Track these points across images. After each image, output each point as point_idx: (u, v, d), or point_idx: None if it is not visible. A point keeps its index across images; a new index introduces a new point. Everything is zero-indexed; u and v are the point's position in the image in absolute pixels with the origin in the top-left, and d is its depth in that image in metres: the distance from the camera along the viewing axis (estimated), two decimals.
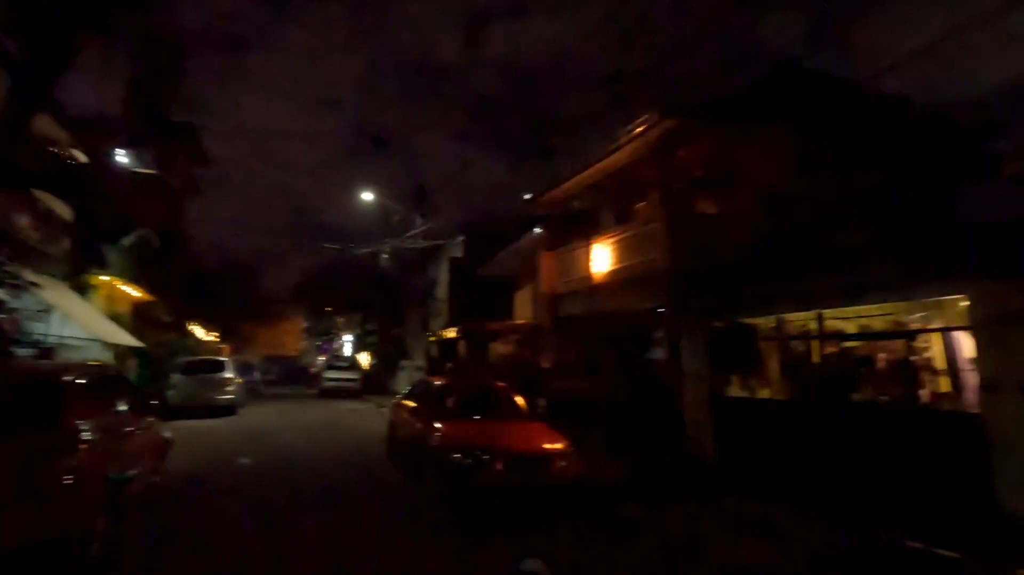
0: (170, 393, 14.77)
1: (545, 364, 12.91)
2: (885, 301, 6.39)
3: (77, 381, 4.55)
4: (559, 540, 5.26)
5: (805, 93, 9.18)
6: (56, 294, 11.88)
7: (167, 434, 7.06)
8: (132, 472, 4.94)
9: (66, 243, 13.76)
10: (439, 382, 9.13)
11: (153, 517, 5.39)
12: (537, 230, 14.75)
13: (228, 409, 15.45)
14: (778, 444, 7.08)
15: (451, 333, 19.15)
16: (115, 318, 15.03)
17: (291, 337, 52.46)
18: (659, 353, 9.84)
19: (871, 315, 7.36)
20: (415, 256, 25.04)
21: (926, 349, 7.37)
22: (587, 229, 12.32)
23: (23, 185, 10.45)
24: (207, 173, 24.39)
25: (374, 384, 26.58)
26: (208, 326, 29.62)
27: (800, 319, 7.49)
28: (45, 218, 12.71)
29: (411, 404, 8.95)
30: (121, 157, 16.48)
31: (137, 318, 17.55)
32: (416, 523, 5.79)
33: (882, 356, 7.34)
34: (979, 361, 4.98)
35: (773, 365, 8.08)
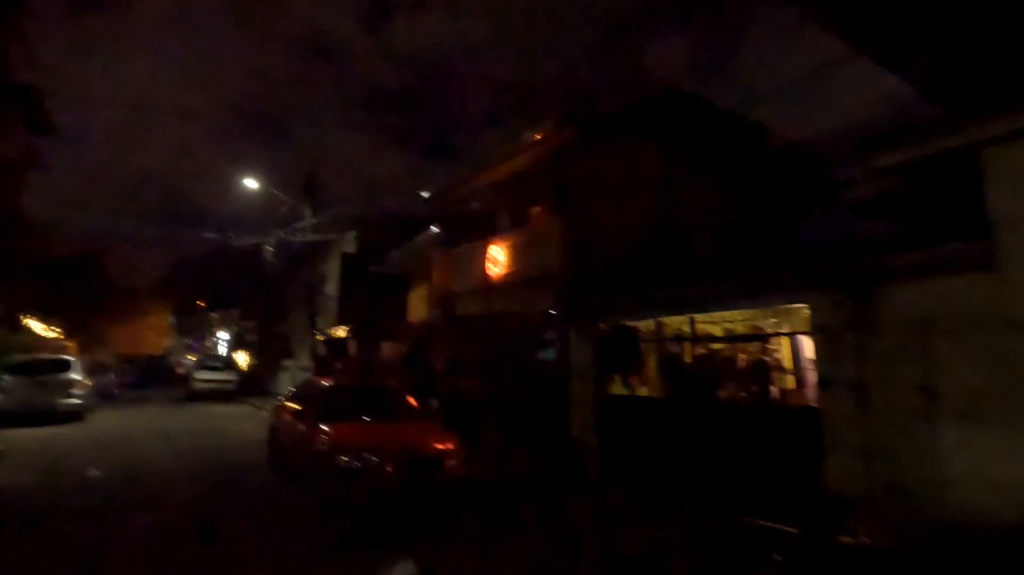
0: None
1: (438, 364, 12.85)
2: (746, 308, 7.16)
3: None
4: (446, 540, 5.28)
5: (686, 116, 10.02)
6: None
7: None
8: None
9: None
10: (327, 382, 8.75)
11: None
12: (433, 229, 14.65)
13: (74, 415, 13.59)
14: (655, 439, 7.65)
15: (341, 331, 18.38)
16: None
17: (155, 334, 47.28)
18: (550, 354, 10.21)
19: (735, 320, 8.23)
20: (303, 250, 23.71)
21: (777, 351, 8.39)
22: (484, 230, 12.45)
23: None
24: (57, 147, 21.25)
25: (253, 385, 24.75)
26: (50, 321, 25.80)
27: (676, 322, 8.17)
28: None
29: (295, 406, 8.49)
30: None
31: None
32: (299, 531, 5.50)
33: (742, 357, 8.22)
34: (817, 361, 5.77)
35: (652, 365, 8.74)
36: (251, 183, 20.13)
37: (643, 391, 8.66)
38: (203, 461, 9.31)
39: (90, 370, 16.42)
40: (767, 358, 8.09)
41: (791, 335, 7.36)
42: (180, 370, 32.59)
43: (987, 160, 4.61)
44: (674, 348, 8.32)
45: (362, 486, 5.97)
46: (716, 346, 8.44)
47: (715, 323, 8.40)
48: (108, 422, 14.10)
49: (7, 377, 13.33)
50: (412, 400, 8.46)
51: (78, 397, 13.87)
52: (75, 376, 14.09)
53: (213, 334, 39.56)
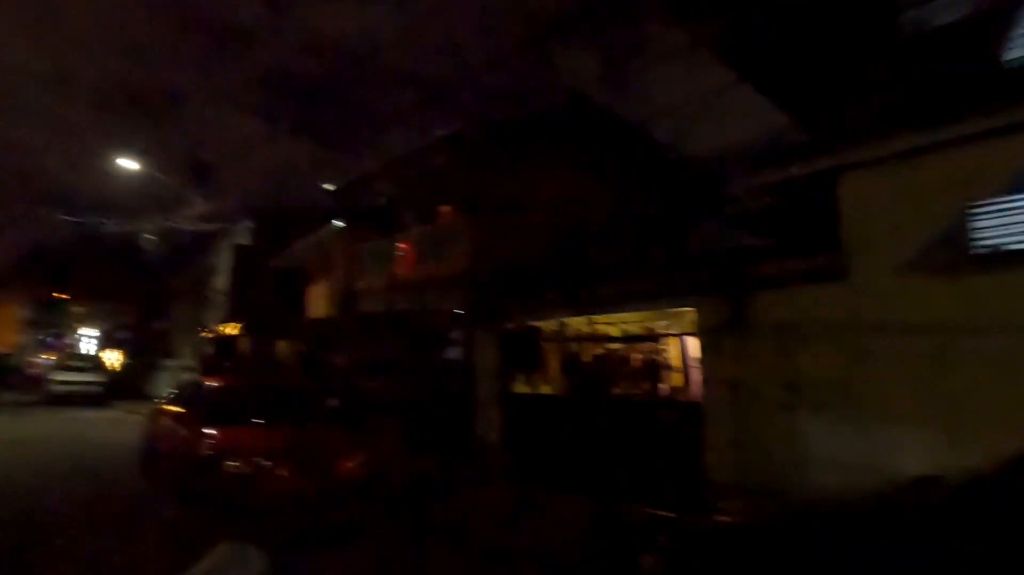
0: None
1: (340, 363, 12.41)
2: (640, 310, 7.63)
3: None
4: (342, 544, 5.14)
5: (593, 125, 10.47)
6: None
7: None
8: None
9: None
10: (214, 383, 8.14)
11: None
12: (337, 223, 14.12)
13: None
14: (557, 435, 7.92)
15: (233, 329, 17.14)
16: None
17: (3, 329, 41.19)
18: (456, 353, 10.23)
19: (630, 321, 8.73)
20: (189, 240, 21.80)
21: (668, 351, 9.00)
22: (391, 226, 12.21)
23: None
24: None
25: (126, 387, 22.37)
26: None
27: (577, 323, 8.52)
28: None
29: (177, 409, 7.80)
30: None
31: None
32: (169, 544, 5.08)
33: (636, 356, 8.75)
34: (701, 360, 6.29)
35: (554, 364, 9.05)
36: (129, 164, 18.18)
37: (546, 389, 8.94)
38: (64, 473, 8.29)
39: None
40: (658, 357, 8.67)
41: (680, 336, 7.94)
42: (33, 370, 28.63)
43: (841, 184, 5.30)
44: (575, 347, 8.67)
45: (254, 492, 5.64)
46: (613, 346, 8.90)
47: (613, 324, 8.86)
48: None
49: None
50: (311, 400, 8.11)
51: None
52: None
53: (76, 330, 35.19)
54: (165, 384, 19.71)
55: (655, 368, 8.45)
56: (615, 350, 8.88)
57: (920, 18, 5.94)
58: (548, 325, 8.76)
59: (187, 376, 16.62)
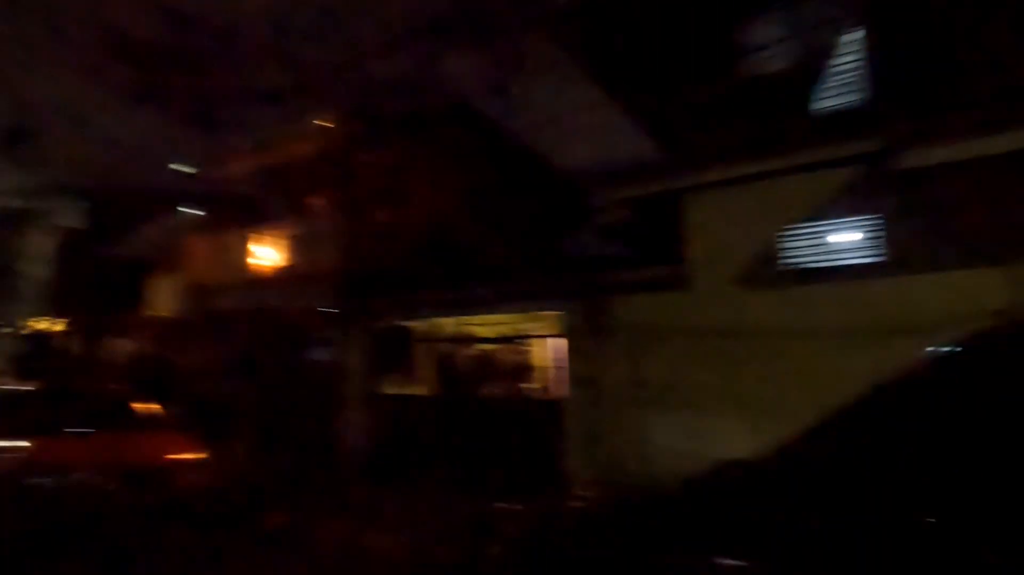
0: None
1: (187, 364, 11.24)
2: (510, 312, 7.89)
3: None
4: (174, 561, 4.67)
5: (475, 129, 10.59)
6: None
7: None
8: None
9: None
10: (22, 388, 6.97)
11: None
12: (192, 209, 12.80)
13: None
14: (427, 435, 7.90)
15: (55, 325, 14.77)
16: None
17: None
18: (323, 353, 9.77)
19: (502, 323, 8.97)
20: None
21: (536, 352, 9.38)
22: (255, 217, 11.33)
23: None
24: None
25: None
26: None
27: (449, 323, 8.58)
28: None
29: None
30: None
31: None
32: None
33: (506, 357, 9.02)
34: (563, 361, 6.67)
35: (425, 364, 9.01)
36: None
37: (416, 390, 8.87)
38: None
39: None
40: (527, 358, 9.01)
41: (548, 337, 8.32)
42: None
43: (685, 202, 5.93)
44: (447, 348, 8.72)
45: (71, 510, 4.92)
46: (485, 347, 9.09)
47: (486, 325, 9.04)
48: None
49: None
50: (147, 406, 7.26)
51: None
52: None
53: None
54: None
55: (524, 368, 8.77)
56: (487, 351, 9.07)
57: (756, 64, 6.84)
58: (420, 325, 8.71)
59: None
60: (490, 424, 7.41)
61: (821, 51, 6.18)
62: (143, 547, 4.99)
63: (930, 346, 4.34)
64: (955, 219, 4.56)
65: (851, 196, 5.08)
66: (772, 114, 5.84)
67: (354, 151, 9.91)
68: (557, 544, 2.42)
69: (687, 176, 5.83)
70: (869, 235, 5.10)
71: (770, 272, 5.58)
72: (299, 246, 10.17)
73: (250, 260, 10.60)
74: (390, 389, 8.72)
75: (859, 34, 5.91)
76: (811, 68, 6.25)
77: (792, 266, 5.55)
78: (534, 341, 9.07)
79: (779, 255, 5.57)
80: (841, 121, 5.53)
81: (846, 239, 5.29)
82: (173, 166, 11.68)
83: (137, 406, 7.11)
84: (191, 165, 12.06)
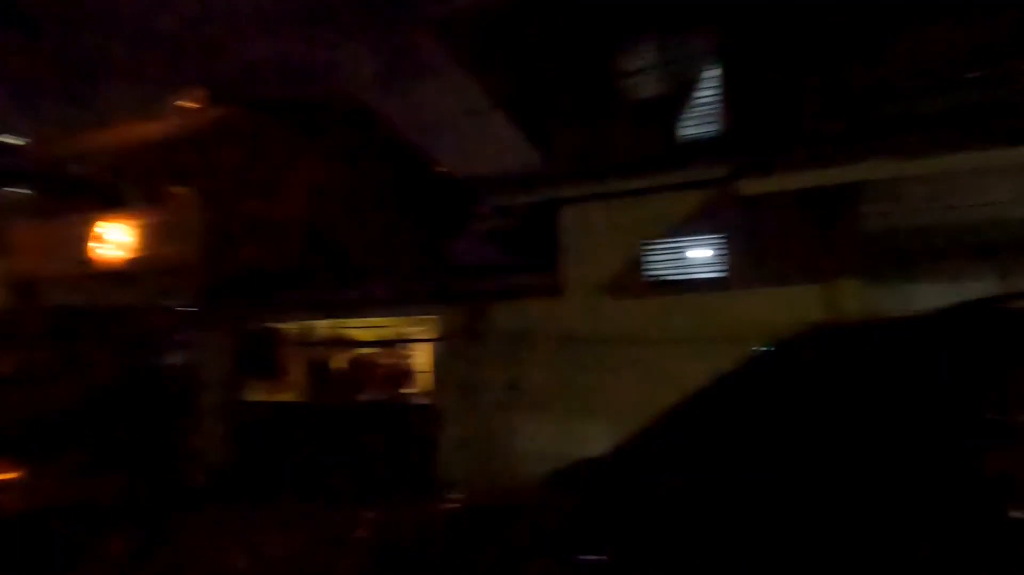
0: None
1: (4, 369, 9.62)
2: (388, 316, 7.70)
3: None
4: None
5: (358, 126, 10.21)
6: None
7: None
8: None
9: None
10: None
11: None
12: (18, 189, 11.03)
13: None
14: (298, 444, 7.42)
15: None
16: None
17: None
18: (179, 357, 8.86)
19: (382, 326, 8.73)
20: None
21: (416, 356, 9.25)
22: (101, 202, 10.02)
23: None
24: None
25: None
26: None
27: (324, 326, 8.17)
28: None
29: None
30: None
31: None
32: None
33: (385, 361, 8.79)
34: (439, 365, 6.62)
35: (297, 369, 8.49)
36: None
37: (286, 396, 8.33)
38: None
39: None
40: (407, 362, 8.86)
41: (428, 341, 8.22)
42: None
43: (561, 213, 6.17)
44: (321, 352, 8.30)
45: None
46: (364, 350, 8.78)
47: (364, 328, 8.74)
48: None
49: None
50: None
51: None
52: None
53: None
54: None
55: (403, 373, 8.61)
56: (365, 355, 8.77)
57: (629, 88, 7.29)
58: (292, 327, 8.21)
59: None
60: (364, 430, 7.15)
61: (685, 83, 6.75)
62: None
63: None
64: (782, 242, 5.20)
65: (703, 216, 5.60)
66: (641, 136, 6.27)
67: (225, 137, 9.12)
68: (413, 550, 2.37)
69: (563, 188, 6.07)
70: (716, 252, 5.65)
71: (635, 283, 5.96)
72: (154, 237, 9.15)
73: (93, 250, 9.35)
74: (256, 396, 8.10)
75: (717, 71, 6.54)
76: (676, 97, 6.79)
77: (654, 278, 5.98)
78: (415, 345, 8.94)
79: (643, 267, 5.97)
80: (699, 148, 6.07)
81: (699, 255, 5.81)
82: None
83: None
84: (22, 136, 10.42)
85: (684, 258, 5.87)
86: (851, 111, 5.30)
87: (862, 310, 4.97)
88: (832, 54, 5.64)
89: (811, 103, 5.57)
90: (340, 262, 7.54)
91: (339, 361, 8.36)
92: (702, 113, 6.59)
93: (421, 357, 8.64)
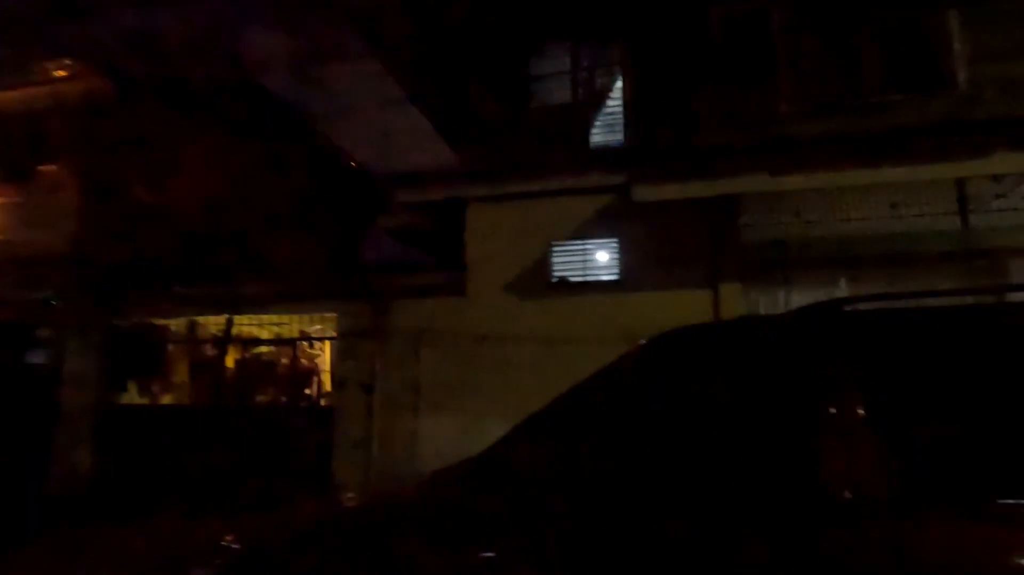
0: None
1: None
2: (284, 312, 7.31)
3: None
4: None
5: (262, 110, 9.60)
6: None
7: None
8: None
9: None
10: None
11: None
12: None
13: None
14: (181, 450, 6.84)
15: None
16: None
17: None
18: (40, 355, 7.91)
19: (283, 324, 8.27)
20: None
21: (319, 355, 8.86)
22: None
23: None
24: None
25: None
26: None
27: (216, 323, 7.62)
28: None
29: None
30: None
31: None
32: None
33: (284, 361, 8.34)
34: (338, 364, 6.37)
35: (182, 369, 7.86)
36: None
37: (168, 399, 7.69)
38: None
39: None
40: (309, 362, 8.45)
41: (327, 340, 7.91)
42: None
43: (467, 213, 6.15)
44: (212, 351, 7.74)
45: None
46: (262, 349, 8.29)
47: (264, 326, 8.25)
48: None
49: None
50: None
51: None
52: None
53: None
54: None
55: (303, 374, 8.21)
56: (262, 354, 8.28)
57: (542, 92, 7.41)
58: (178, 324, 7.59)
59: None
60: (256, 435, 6.73)
61: (594, 92, 6.97)
62: None
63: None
64: (673, 248, 5.50)
65: (603, 221, 5.80)
66: (548, 140, 6.38)
67: (107, 112, 8.27)
68: (279, 555, 2.22)
69: (469, 187, 6.05)
70: (614, 256, 5.87)
71: (539, 283, 6.06)
72: (22, 220, 8.15)
73: None
74: (134, 399, 7.41)
75: (622, 83, 6.80)
76: (584, 105, 6.99)
77: (558, 278, 6.10)
78: (319, 345, 8.56)
79: (547, 268, 6.08)
80: (602, 155, 6.28)
81: (599, 258, 6.01)
82: None
83: None
84: None
85: (586, 260, 6.04)
86: (737, 130, 5.69)
87: (744, 313, 5.36)
88: (724, 76, 6.02)
89: (703, 120, 5.93)
90: (236, 255, 7.05)
91: (232, 361, 7.82)
92: (608, 122, 6.84)
93: (324, 357, 8.29)
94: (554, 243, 6.11)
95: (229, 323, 7.13)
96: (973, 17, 5.22)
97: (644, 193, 5.00)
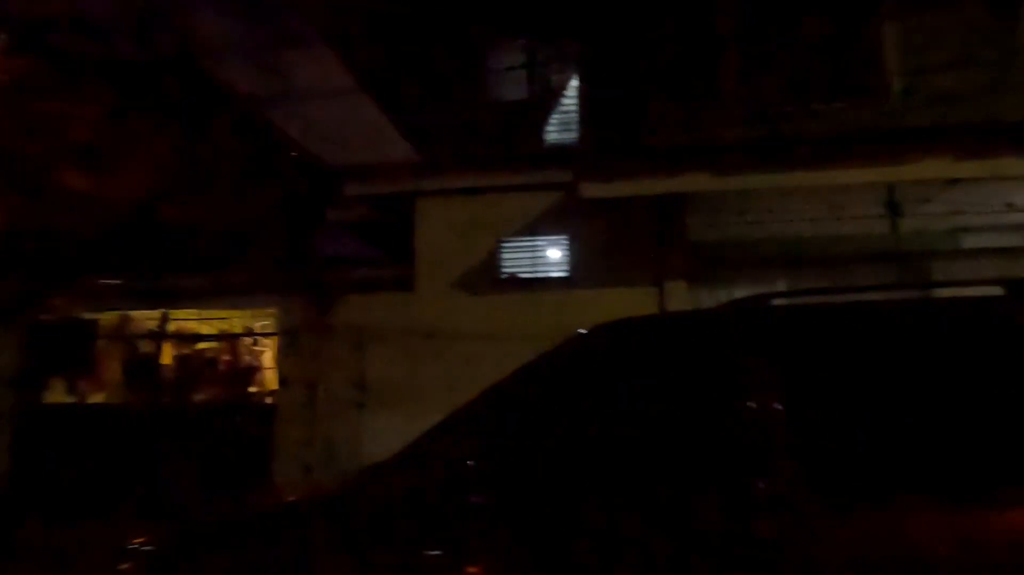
0: None
1: None
2: (223, 307, 7.03)
3: None
4: None
5: (198, 94, 9.17)
6: None
7: None
8: None
9: None
10: None
11: None
12: None
13: None
14: (108, 452, 6.47)
15: None
16: None
17: None
18: None
19: (225, 319, 7.94)
20: None
21: (264, 352, 8.55)
22: None
23: None
24: None
25: None
26: None
27: (151, 318, 7.24)
28: None
29: None
30: None
31: None
32: None
33: (226, 358, 8.00)
34: (280, 361, 6.16)
35: (114, 366, 7.44)
36: None
37: (98, 398, 7.26)
38: None
39: None
40: (253, 359, 8.14)
41: (270, 336, 7.65)
42: None
43: (417, 207, 6.04)
44: (147, 347, 7.35)
45: None
46: (202, 346, 7.93)
47: (205, 321, 7.89)
48: None
49: None
50: None
51: None
52: None
53: None
54: None
55: (246, 371, 7.90)
56: (202, 351, 7.92)
57: (494, 86, 7.34)
58: (108, 318, 7.17)
59: None
60: (194, 434, 6.44)
61: (546, 88, 6.96)
62: None
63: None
64: (620, 246, 5.55)
65: (553, 218, 5.80)
66: (500, 135, 6.33)
67: (39, 91, 7.74)
68: (195, 555, 2.11)
69: (418, 181, 5.95)
70: (564, 253, 5.88)
71: (488, 279, 6.01)
72: None
73: None
74: (56, 398, 6.96)
75: (576, 81, 6.82)
76: (536, 101, 6.98)
77: (508, 275, 6.06)
78: (263, 341, 8.26)
79: (496, 264, 6.03)
80: (553, 152, 6.28)
81: (549, 255, 6.00)
82: None
83: None
84: None
85: (535, 257, 6.02)
86: (686, 132, 5.79)
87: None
88: (674, 80, 6.11)
89: (654, 121, 5.99)
90: (174, 246, 6.71)
91: (169, 358, 7.44)
92: (563, 120, 6.85)
93: (268, 353, 8.00)
94: (504, 239, 6.06)
95: (164, 318, 6.79)
96: (907, 32, 5.47)
97: (591, 190, 5.03)
